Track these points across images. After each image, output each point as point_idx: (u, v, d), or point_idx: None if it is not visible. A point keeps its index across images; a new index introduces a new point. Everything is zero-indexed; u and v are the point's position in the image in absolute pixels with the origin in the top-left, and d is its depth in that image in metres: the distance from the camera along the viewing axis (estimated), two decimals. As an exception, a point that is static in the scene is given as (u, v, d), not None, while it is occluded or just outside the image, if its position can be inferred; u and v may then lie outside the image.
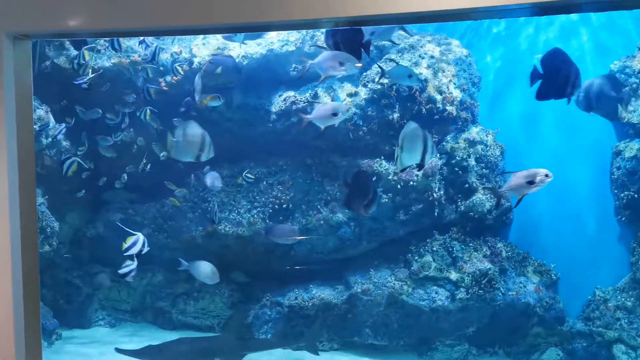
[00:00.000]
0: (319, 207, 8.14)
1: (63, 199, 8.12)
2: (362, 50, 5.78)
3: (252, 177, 8.01)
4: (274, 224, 8.03)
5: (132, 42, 8.05)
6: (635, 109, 7.79)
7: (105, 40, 7.73)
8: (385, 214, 8.00)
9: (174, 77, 8.10)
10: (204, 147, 6.20)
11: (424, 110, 7.80)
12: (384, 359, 8.02)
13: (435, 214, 7.99)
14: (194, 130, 6.21)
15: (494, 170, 8.31)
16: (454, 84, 8.08)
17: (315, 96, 7.92)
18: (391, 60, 7.82)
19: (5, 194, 3.18)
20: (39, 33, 3.31)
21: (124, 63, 8.02)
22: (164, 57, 8.22)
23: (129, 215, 8.66)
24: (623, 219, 7.94)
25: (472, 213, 8.09)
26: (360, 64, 6.64)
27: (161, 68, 8.16)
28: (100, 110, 7.75)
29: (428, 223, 8.09)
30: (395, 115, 7.77)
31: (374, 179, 7.86)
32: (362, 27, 5.99)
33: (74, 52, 7.81)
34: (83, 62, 7.32)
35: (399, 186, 7.83)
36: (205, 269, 7.28)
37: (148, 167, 7.95)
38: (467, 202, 8.07)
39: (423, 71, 7.94)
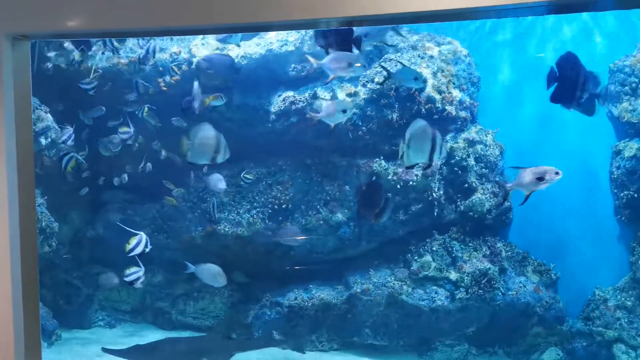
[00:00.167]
0: (318, 207, 8.13)
1: (63, 199, 8.12)
2: (354, 46, 5.81)
3: (250, 177, 8.01)
4: (281, 225, 8.03)
5: (131, 43, 8.05)
6: (635, 108, 7.79)
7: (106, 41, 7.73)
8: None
9: (173, 78, 8.10)
10: (219, 148, 6.19)
11: (423, 110, 7.80)
12: (383, 359, 8.02)
13: (435, 213, 7.99)
14: (209, 132, 6.19)
15: (493, 170, 8.30)
16: (453, 83, 8.08)
17: (315, 96, 7.92)
18: (398, 62, 7.80)
19: (4, 194, 3.18)
20: (37, 34, 3.31)
21: (122, 64, 8.02)
22: (164, 57, 8.22)
23: (129, 215, 8.66)
24: (623, 218, 7.94)
25: (471, 213, 8.08)
26: (359, 64, 6.66)
27: (160, 68, 8.16)
28: (103, 108, 7.76)
29: (428, 223, 8.08)
30: (395, 115, 7.77)
31: (374, 178, 7.86)
32: (354, 28, 6.04)
33: (76, 53, 7.81)
34: (91, 64, 7.35)
35: (398, 186, 7.83)
36: (212, 272, 7.25)
37: (148, 167, 7.94)
38: (467, 201, 8.07)
39: (422, 71, 7.94)
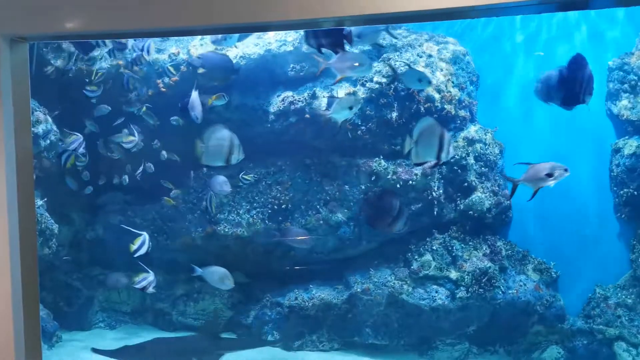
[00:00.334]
0: (318, 207, 8.13)
1: (62, 201, 8.12)
2: (345, 41, 5.83)
3: (249, 178, 7.99)
4: (289, 227, 8.01)
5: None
6: (634, 106, 7.79)
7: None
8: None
9: (172, 79, 8.10)
10: (233, 149, 6.17)
11: (422, 109, 7.80)
12: (384, 359, 8.02)
13: (435, 212, 7.99)
14: (222, 133, 6.17)
15: (493, 168, 8.31)
16: (452, 82, 8.08)
17: (314, 96, 7.92)
18: (405, 63, 7.78)
19: (3, 196, 3.18)
20: (35, 35, 3.30)
21: (121, 64, 8.03)
22: (162, 58, 8.22)
23: (128, 217, 8.66)
24: (623, 216, 7.95)
25: (471, 212, 8.09)
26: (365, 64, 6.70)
27: (159, 69, 8.17)
28: (109, 107, 7.76)
29: (427, 222, 8.08)
30: (394, 115, 7.77)
31: (373, 178, 7.86)
32: (349, 34, 6.07)
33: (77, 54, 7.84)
34: (97, 68, 7.37)
35: (398, 185, 7.83)
36: (219, 275, 7.24)
37: (149, 168, 7.93)
38: (467, 200, 8.07)
39: (421, 70, 7.93)
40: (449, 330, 7.95)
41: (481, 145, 8.20)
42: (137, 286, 6.91)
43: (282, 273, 8.42)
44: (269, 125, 8.08)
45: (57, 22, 3.06)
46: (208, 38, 7.96)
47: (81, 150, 7.50)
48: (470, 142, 8.13)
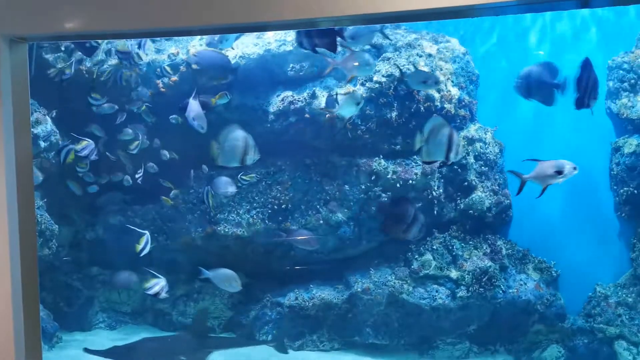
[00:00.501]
0: (318, 207, 8.13)
1: (62, 201, 8.11)
2: (339, 37, 5.87)
3: (248, 179, 7.97)
4: (296, 229, 8.00)
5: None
6: (634, 105, 7.79)
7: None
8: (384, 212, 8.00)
9: (172, 79, 8.10)
10: (248, 150, 6.15)
11: (422, 108, 7.80)
12: (385, 359, 8.01)
13: (435, 212, 7.99)
14: (236, 134, 6.15)
15: (493, 167, 8.31)
16: (452, 81, 8.08)
17: (313, 96, 7.91)
18: (412, 64, 7.78)
19: (3, 197, 3.17)
20: (35, 36, 3.30)
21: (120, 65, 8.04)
22: (161, 58, 8.23)
23: (128, 217, 8.65)
24: (623, 215, 7.95)
25: (471, 211, 8.09)
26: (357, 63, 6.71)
27: (158, 70, 8.17)
28: (115, 106, 7.75)
29: (428, 221, 8.07)
30: (394, 114, 7.77)
31: (373, 177, 7.86)
32: (342, 31, 6.11)
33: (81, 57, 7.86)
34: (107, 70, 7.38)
35: (398, 185, 7.83)
36: (227, 277, 7.23)
37: (153, 168, 7.92)
38: (467, 200, 8.08)
39: (427, 71, 7.92)
40: (450, 330, 7.95)
41: (481, 144, 8.20)
42: (149, 292, 6.90)
43: (283, 273, 8.42)
44: (269, 125, 8.07)
45: (57, 22, 3.06)
46: (206, 39, 7.96)
47: (93, 157, 7.43)
48: (470, 141, 8.13)
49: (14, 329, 3.21)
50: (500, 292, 7.78)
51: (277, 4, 2.78)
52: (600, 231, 8.10)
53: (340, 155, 8.09)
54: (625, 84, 7.84)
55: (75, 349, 7.97)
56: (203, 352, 7.58)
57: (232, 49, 8.00)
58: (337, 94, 7.57)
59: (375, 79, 7.76)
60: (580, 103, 5.36)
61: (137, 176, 7.81)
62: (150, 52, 8.27)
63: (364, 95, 7.73)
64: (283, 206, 8.18)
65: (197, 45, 8.15)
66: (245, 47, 8.09)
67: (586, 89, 5.29)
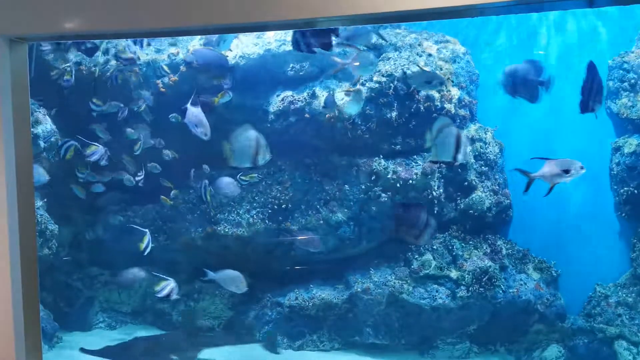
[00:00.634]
0: (318, 206, 8.13)
1: (62, 201, 8.11)
2: (333, 35, 5.92)
3: (247, 179, 7.96)
4: (300, 230, 7.99)
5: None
6: (634, 105, 7.79)
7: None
8: (384, 212, 7.99)
9: (172, 79, 8.11)
10: (259, 150, 6.13)
11: (422, 108, 7.80)
12: (385, 358, 8.01)
13: (435, 212, 7.98)
14: (249, 134, 6.13)
15: (493, 167, 8.30)
16: (452, 81, 8.07)
17: (313, 95, 7.91)
18: (417, 65, 7.78)
19: (3, 197, 3.17)
20: (35, 36, 3.30)
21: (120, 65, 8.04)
22: (162, 58, 8.23)
23: (128, 217, 8.65)
24: (623, 214, 7.94)
25: (471, 211, 8.09)
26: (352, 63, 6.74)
27: (158, 70, 8.18)
28: (121, 104, 7.75)
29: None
30: (394, 114, 7.76)
31: (373, 177, 7.86)
32: (336, 32, 6.16)
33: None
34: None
35: (398, 185, 7.83)
36: (233, 278, 7.22)
37: (157, 169, 7.92)
38: (467, 200, 8.07)
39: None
40: (450, 330, 7.95)
41: (481, 144, 8.20)
42: (160, 295, 6.91)
43: (283, 273, 8.41)
44: (269, 125, 8.07)
45: (57, 22, 3.06)
46: (205, 39, 7.96)
47: (103, 162, 7.39)
48: (471, 141, 8.13)
49: (14, 329, 3.21)
50: (501, 292, 7.78)
51: (277, 4, 2.77)
52: (600, 231, 8.10)
53: (340, 155, 8.10)
54: (626, 84, 7.84)
55: (75, 349, 7.97)
56: (193, 350, 7.62)
57: (230, 50, 8.00)
58: (348, 91, 7.58)
59: (375, 78, 7.76)
60: (585, 107, 5.36)
61: (138, 178, 7.78)
62: (150, 52, 8.27)
63: (364, 94, 7.74)
64: (283, 206, 8.18)
65: (197, 45, 8.15)
66: (245, 47, 8.09)
67: (590, 93, 5.29)
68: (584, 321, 7.90)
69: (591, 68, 5.37)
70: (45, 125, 7.43)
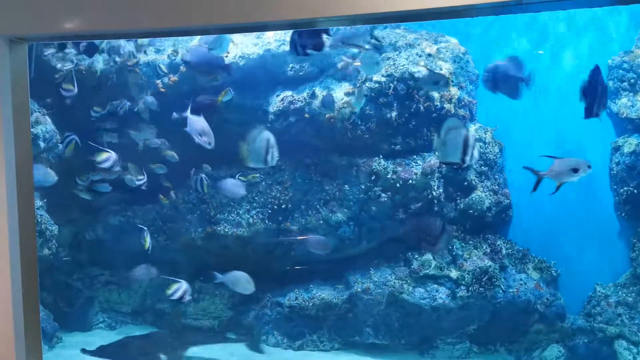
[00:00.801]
0: (318, 206, 8.13)
1: (62, 201, 8.11)
2: (325, 34, 5.98)
3: (245, 179, 7.96)
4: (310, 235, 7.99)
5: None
6: (634, 104, 7.79)
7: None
8: (384, 212, 8.00)
9: (172, 79, 8.11)
10: (268, 150, 6.16)
11: (422, 108, 7.80)
12: (385, 358, 8.01)
13: (435, 212, 7.98)
14: (260, 134, 6.17)
15: (492, 167, 8.30)
16: (452, 81, 8.07)
17: (313, 95, 7.91)
18: (425, 66, 7.78)
19: (3, 197, 3.17)
20: (35, 36, 3.30)
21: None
22: (161, 58, 8.23)
23: (128, 217, 8.66)
24: (623, 214, 7.94)
25: (471, 211, 8.08)
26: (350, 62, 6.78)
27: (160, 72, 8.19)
28: (128, 102, 7.74)
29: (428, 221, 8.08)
30: (394, 114, 7.76)
31: (373, 177, 7.86)
32: (330, 34, 6.23)
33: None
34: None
35: (398, 185, 7.83)
36: (241, 279, 7.22)
37: (162, 169, 7.91)
38: (467, 199, 8.07)
39: (420, 69, 7.92)
40: (450, 330, 7.95)
41: (481, 144, 8.20)
42: (173, 298, 6.91)
43: (283, 273, 8.42)
44: (269, 125, 8.06)
45: (57, 22, 3.06)
46: (203, 40, 7.96)
47: (117, 168, 7.35)
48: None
49: (14, 329, 3.21)
50: (500, 291, 7.78)
51: (277, 4, 2.77)
52: (600, 231, 8.10)
53: (340, 155, 8.10)
54: (625, 84, 7.84)
55: (75, 349, 7.97)
56: (182, 348, 7.66)
57: (228, 53, 8.00)
58: (329, 93, 7.63)
59: (375, 78, 7.76)
60: (589, 112, 5.33)
61: (140, 182, 7.72)
62: (150, 52, 8.28)
63: (364, 93, 7.75)
64: (283, 206, 8.18)
65: (196, 44, 8.15)
66: (244, 47, 8.09)
67: (595, 98, 5.25)
68: (584, 321, 7.90)
69: (595, 72, 5.32)
70: (46, 125, 7.43)
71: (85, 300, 8.76)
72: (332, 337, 8.21)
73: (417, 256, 7.96)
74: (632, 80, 7.79)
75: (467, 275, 7.76)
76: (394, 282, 7.87)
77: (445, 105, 7.90)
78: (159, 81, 8.18)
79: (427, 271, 7.85)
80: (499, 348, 8.11)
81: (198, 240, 8.45)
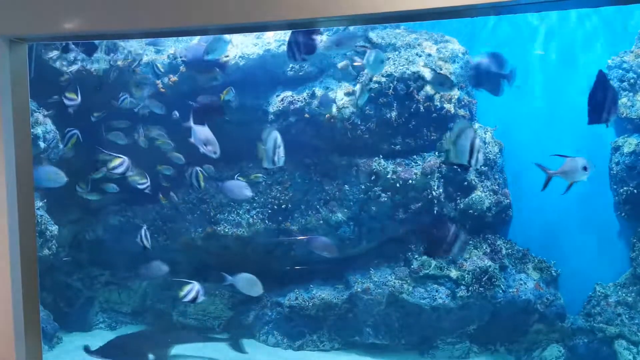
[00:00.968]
0: (318, 207, 8.13)
1: (62, 201, 8.11)
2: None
3: (243, 180, 7.95)
4: (315, 236, 7.98)
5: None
6: (634, 104, 7.79)
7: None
8: (384, 212, 8.00)
9: (172, 79, 8.11)
10: (275, 150, 6.22)
11: (422, 108, 7.80)
12: (385, 358, 8.02)
13: (435, 212, 7.98)
14: (270, 134, 6.23)
15: (492, 167, 8.30)
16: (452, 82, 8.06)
17: (313, 95, 7.91)
18: (431, 68, 7.79)
19: (3, 198, 3.17)
20: (35, 36, 3.30)
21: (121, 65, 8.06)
22: (161, 58, 8.23)
23: (128, 217, 8.65)
24: (623, 214, 7.94)
25: (471, 211, 8.08)
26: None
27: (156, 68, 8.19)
28: (128, 95, 7.75)
29: (428, 221, 8.08)
30: (394, 114, 7.77)
31: (373, 177, 7.86)
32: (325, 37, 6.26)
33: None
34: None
35: (398, 185, 7.83)
36: (249, 281, 7.21)
37: (167, 170, 7.90)
38: (467, 199, 8.07)
39: (421, 69, 7.93)
40: (450, 330, 7.95)
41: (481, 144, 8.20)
42: (186, 300, 6.91)
43: (283, 273, 8.42)
44: (269, 125, 8.07)
45: (57, 23, 3.06)
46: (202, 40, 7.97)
47: (130, 172, 7.33)
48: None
49: (14, 329, 3.21)
50: (500, 291, 7.78)
51: (277, 4, 2.77)
52: (600, 231, 8.10)
53: (340, 155, 8.10)
54: (625, 84, 7.84)
55: (75, 350, 7.97)
56: (167, 346, 7.68)
57: (227, 56, 8.00)
58: (327, 93, 7.64)
59: (375, 78, 7.77)
60: (593, 118, 5.28)
61: (142, 186, 7.70)
62: (150, 53, 8.28)
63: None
64: (283, 206, 8.18)
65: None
66: (244, 47, 8.09)
67: (603, 105, 5.19)
68: (584, 321, 7.90)
69: (601, 79, 5.24)
70: (45, 126, 7.43)
71: (85, 301, 8.76)
72: (332, 337, 8.21)
73: (417, 256, 7.96)
74: (632, 80, 7.79)
75: (467, 275, 7.76)
76: (394, 282, 7.87)
77: (445, 105, 7.90)
78: (159, 81, 8.18)
79: (427, 271, 7.85)
80: (499, 348, 8.11)
81: (198, 241, 8.46)
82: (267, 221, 8.21)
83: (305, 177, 8.25)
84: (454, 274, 7.81)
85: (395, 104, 7.79)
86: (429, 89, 7.83)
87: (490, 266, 7.80)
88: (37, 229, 6.67)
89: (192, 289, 6.85)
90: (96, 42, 7.63)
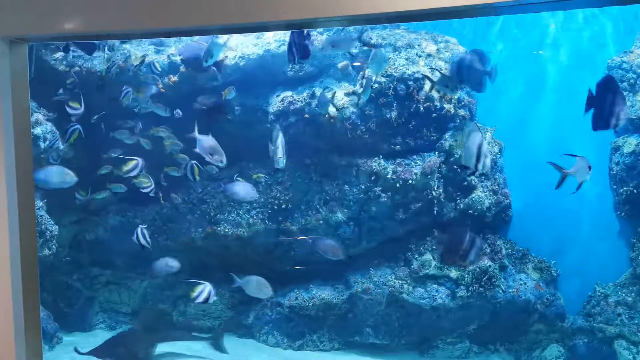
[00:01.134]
0: (318, 207, 8.13)
1: (62, 201, 8.11)
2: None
3: (241, 180, 7.94)
4: (320, 237, 7.97)
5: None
6: (633, 104, 7.79)
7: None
8: (384, 213, 8.00)
9: (172, 79, 8.11)
10: (283, 150, 6.26)
11: (422, 108, 7.80)
12: (385, 358, 8.02)
13: (435, 212, 7.98)
14: (278, 135, 6.27)
15: (492, 167, 8.30)
16: (452, 82, 8.07)
17: (313, 96, 7.91)
18: (435, 69, 7.78)
19: (3, 198, 3.17)
20: (35, 36, 3.30)
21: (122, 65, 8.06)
22: (161, 58, 8.23)
23: (128, 217, 8.65)
24: (622, 214, 7.94)
25: (471, 211, 8.08)
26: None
27: (159, 69, 8.19)
28: (130, 90, 7.74)
29: (427, 221, 8.08)
30: (394, 114, 7.77)
31: (373, 177, 7.86)
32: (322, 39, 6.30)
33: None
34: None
35: (398, 185, 7.83)
36: (258, 284, 7.19)
37: (169, 171, 7.90)
38: (466, 199, 8.07)
39: (421, 69, 7.93)
40: (450, 329, 7.95)
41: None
42: (198, 301, 6.89)
43: (283, 273, 8.42)
44: (269, 125, 8.07)
45: (57, 23, 3.06)
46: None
47: (143, 172, 7.32)
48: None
49: (14, 329, 3.21)
50: (500, 291, 7.78)
51: (277, 4, 2.77)
52: (599, 231, 8.10)
53: (340, 156, 8.10)
54: (625, 84, 7.84)
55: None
56: (151, 345, 7.69)
57: (226, 57, 7.99)
58: (325, 94, 7.64)
59: (375, 78, 7.76)
60: (598, 124, 5.23)
61: (147, 190, 7.66)
62: (150, 53, 8.28)
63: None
64: (283, 206, 8.18)
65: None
66: (244, 48, 8.09)
67: (611, 110, 5.11)
68: (584, 321, 7.90)
69: (608, 83, 5.13)
70: (45, 126, 7.43)
71: (86, 301, 8.76)
72: (332, 337, 8.21)
73: (417, 256, 7.96)
74: (632, 80, 7.79)
75: (467, 275, 7.76)
76: (394, 282, 7.87)
77: (445, 106, 7.91)
78: (159, 81, 8.18)
79: (427, 271, 7.85)
80: (498, 348, 8.12)
81: (198, 241, 8.45)
82: (267, 221, 8.21)
83: (305, 177, 8.25)
84: (453, 274, 7.81)
85: (395, 104, 7.79)
86: (428, 88, 7.83)
87: (490, 266, 7.80)
88: (37, 229, 6.67)
89: (204, 289, 6.83)
90: (96, 42, 7.62)
